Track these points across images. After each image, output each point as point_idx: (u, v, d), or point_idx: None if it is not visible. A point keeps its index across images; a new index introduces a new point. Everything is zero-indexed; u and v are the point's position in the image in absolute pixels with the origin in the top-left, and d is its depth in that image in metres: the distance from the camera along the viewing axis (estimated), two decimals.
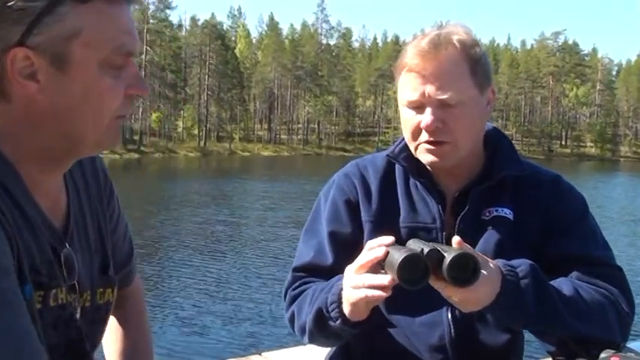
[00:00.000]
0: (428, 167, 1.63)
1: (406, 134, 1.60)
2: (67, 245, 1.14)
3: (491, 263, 1.38)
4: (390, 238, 1.34)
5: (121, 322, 1.44)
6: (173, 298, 11.00)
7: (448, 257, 1.26)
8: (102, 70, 1.03)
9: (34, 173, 1.08)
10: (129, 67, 1.08)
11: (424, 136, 1.55)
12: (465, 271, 1.27)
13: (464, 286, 1.28)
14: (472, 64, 1.54)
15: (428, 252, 1.27)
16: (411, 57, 1.54)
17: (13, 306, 0.93)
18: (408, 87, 1.55)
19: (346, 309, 1.42)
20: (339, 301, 1.44)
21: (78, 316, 1.16)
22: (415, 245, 1.32)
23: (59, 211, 1.16)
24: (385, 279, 1.30)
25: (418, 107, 1.55)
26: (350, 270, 1.39)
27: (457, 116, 1.53)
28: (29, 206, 1.06)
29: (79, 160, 1.20)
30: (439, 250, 1.28)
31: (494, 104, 1.65)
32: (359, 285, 1.35)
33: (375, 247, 1.34)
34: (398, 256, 1.26)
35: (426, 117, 1.53)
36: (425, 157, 1.57)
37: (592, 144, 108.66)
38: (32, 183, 1.08)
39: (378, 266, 1.33)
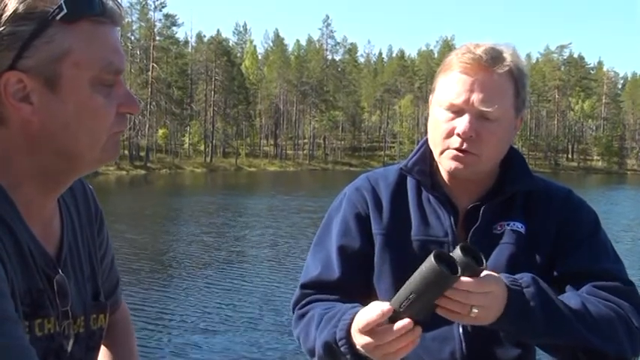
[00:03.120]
0: (444, 178, 1.64)
1: (435, 136, 1.59)
2: (60, 271, 1.15)
3: (497, 278, 1.38)
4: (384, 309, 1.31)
5: (111, 348, 1.44)
6: (177, 314, 10.96)
7: (456, 246, 1.30)
8: (93, 89, 1.05)
9: (32, 196, 1.10)
10: (118, 86, 1.10)
11: (454, 141, 1.54)
12: (474, 255, 1.31)
13: (482, 265, 1.30)
14: (518, 86, 1.56)
15: (437, 253, 1.28)
16: (466, 60, 1.52)
17: (12, 324, 0.93)
18: (454, 90, 1.54)
19: (358, 344, 1.39)
20: (347, 337, 1.42)
21: (72, 342, 1.16)
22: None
23: (53, 237, 1.17)
24: (415, 331, 1.30)
25: (457, 112, 1.54)
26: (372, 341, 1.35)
27: (491, 131, 1.53)
28: (22, 232, 1.07)
29: (71, 188, 1.22)
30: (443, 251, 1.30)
31: (518, 130, 1.67)
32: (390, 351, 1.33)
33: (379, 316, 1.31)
34: (426, 263, 1.26)
35: (464, 123, 1.52)
36: (449, 163, 1.57)
37: (598, 157, 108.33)
38: (27, 207, 1.09)
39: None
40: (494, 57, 1.52)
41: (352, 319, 1.42)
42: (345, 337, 1.43)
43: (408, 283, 1.29)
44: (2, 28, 0.99)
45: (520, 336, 1.50)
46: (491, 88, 1.52)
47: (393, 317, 1.30)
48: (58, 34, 1.01)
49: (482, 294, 1.31)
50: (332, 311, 1.54)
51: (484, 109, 1.51)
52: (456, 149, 1.55)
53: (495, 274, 1.37)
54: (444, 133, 1.56)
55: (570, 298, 1.48)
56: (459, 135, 1.53)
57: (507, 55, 1.54)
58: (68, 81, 1.03)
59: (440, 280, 1.25)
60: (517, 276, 1.43)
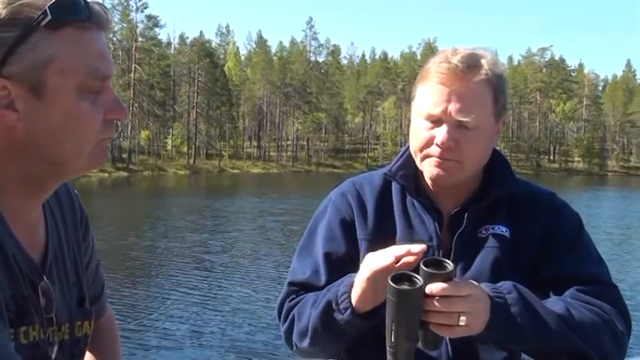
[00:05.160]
0: (428, 183, 1.64)
1: (415, 144, 1.60)
2: (45, 278, 1.13)
3: (481, 289, 1.38)
4: (421, 247, 1.36)
5: (96, 354, 1.43)
6: (157, 318, 10.88)
7: (440, 250, 1.31)
8: (79, 96, 1.04)
9: (16, 202, 1.09)
10: (106, 92, 1.08)
11: (434, 150, 1.55)
12: (439, 262, 1.32)
13: (448, 270, 1.30)
14: (497, 92, 1.55)
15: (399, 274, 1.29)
16: (440, 70, 1.52)
17: None
18: (431, 100, 1.54)
19: (355, 294, 1.44)
20: (349, 292, 1.45)
21: (56, 350, 1.15)
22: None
23: (38, 243, 1.16)
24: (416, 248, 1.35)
25: (435, 121, 1.54)
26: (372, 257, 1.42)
27: (471, 140, 1.53)
28: (7, 239, 1.06)
29: (56, 193, 1.21)
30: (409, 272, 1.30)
31: (501, 134, 1.67)
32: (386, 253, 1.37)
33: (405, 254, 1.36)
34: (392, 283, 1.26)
35: (442, 133, 1.52)
36: (430, 169, 1.57)
37: (580, 159, 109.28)
38: (12, 213, 1.08)
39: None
40: (470, 65, 1.51)
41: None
42: (347, 292, 1.45)
43: (386, 316, 1.29)
44: None
45: (507, 343, 1.51)
46: (468, 98, 1.51)
47: (393, 353, 1.30)
48: (42, 41, 1.00)
49: (462, 298, 1.30)
50: (333, 283, 1.56)
51: (462, 119, 1.51)
52: (437, 157, 1.56)
53: (472, 281, 1.38)
54: (423, 142, 1.56)
55: (554, 303, 1.48)
56: (438, 145, 1.54)
57: (484, 62, 1.53)
58: (53, 88, 1.02)
59: (403, 298, 1.26)
60: (497, 284, 1.43)
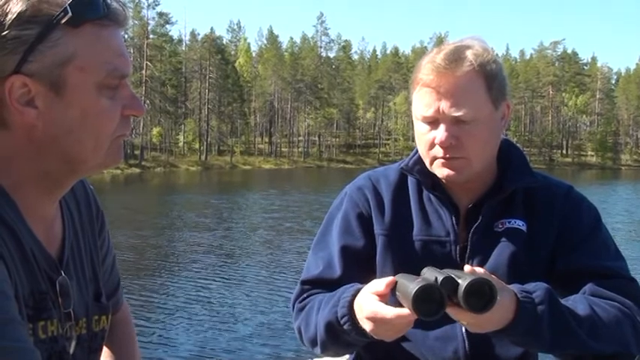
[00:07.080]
0: (442, 180, 1.62)
1: (420, 148, 1.61)
2: (63, 273, 1.14)
3: (506, 287, 1.36)
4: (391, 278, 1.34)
5: (112, 349, 1.43)
6: (170, 314, 10.92)
7: (463, 284, 1.23)
8: (99, 93, 1.04)
9: (33, 198, 1.09)
10: (123, 88, 1.08)
11: (438, 151, 1.55)
12: (481, 296, 1.25)
13: (481, 312, 1.25)
14: (488, 80, 1.53)
15: (442, 280, 1.24)
16: (426, 72, 1.53)
17: (15, 326, 0.93)
18: (423, 102, 1.54)
19: (363, 325, 1.40)
20: (350, 314, 1.43)
21: (74, 344, 1.16)
22: (429, 274, 1.29)
23: (55, 239, 1.16)
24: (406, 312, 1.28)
25: (432, 123, 1.54)
26: (366, 299, 1.38)
27: (471, 133, 1.52)
28: (25, 234, 1.06)
29: (72, 189, 1.20)
30: (453, 278, 1.25)
31: (509, 118, 1.65)
32: (380, 320, 1.33)
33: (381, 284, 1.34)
34: (412, 286, 1.23)
35: (440, 133, 1.52)
36: (440, 171, 1.57)
37: (593, 153, 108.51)
38: (29, 209, 1.08)
39: (389, 294, 1.33)
40: (452, 60, 1.51)
41: (353, 296, 1.43)
42: (347, 314, 1.43)
43: (406, 282, 1.29)
44: (7, 31, 0.98)
45: (526, 347, 1.53)
46: (457, 93, 1.50)
47: None
48: (62, 38, 1.00)
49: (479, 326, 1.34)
50: (332, 294, 1.54)
51: (455, 114, 1.50)
52: (442, 157, 1.55)
53: (504, 287, 1.35)
54: (426, 145, 1.57)
55: (578, 303, 1.47)
56: (439, 145, 1.54)
57: (468, 53, 1.52)
58: (73, 85, 1.02)
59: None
60: (530, 287, 1.41)
